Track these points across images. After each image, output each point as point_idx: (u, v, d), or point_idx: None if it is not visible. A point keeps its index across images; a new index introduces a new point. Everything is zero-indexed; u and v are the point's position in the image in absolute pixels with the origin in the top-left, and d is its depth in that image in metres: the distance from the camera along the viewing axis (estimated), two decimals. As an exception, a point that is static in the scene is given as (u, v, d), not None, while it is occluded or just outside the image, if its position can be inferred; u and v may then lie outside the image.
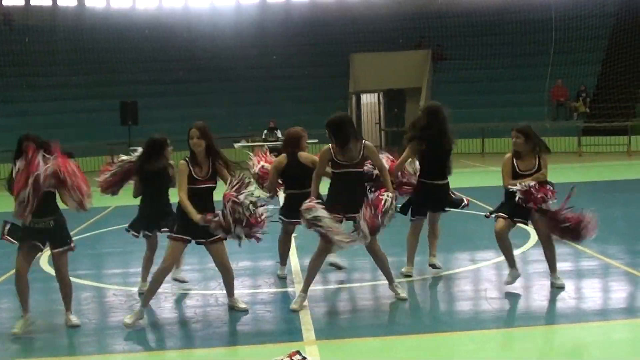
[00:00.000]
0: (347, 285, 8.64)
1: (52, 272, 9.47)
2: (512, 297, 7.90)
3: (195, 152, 7.37)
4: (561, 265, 9.36)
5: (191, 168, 7.32)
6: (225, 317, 7.54)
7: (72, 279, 8.76)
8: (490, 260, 9.52)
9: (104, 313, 8.09)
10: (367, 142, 7.45)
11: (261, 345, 6.54)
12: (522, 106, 29.95)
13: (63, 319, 7.58)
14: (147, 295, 7.41)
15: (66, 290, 7.52)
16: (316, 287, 8.26)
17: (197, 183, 7.29)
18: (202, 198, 7.28)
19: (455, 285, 8.58)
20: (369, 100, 37.23)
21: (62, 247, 7.36)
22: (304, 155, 8.51)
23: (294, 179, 8.53)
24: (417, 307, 7.83)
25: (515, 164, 7.95)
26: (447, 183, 8.59)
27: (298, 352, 5.67)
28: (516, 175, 7.88)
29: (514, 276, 8.11)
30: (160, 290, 7.74)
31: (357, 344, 6.57)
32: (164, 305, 8.03)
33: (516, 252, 9.49)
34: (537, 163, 7.93)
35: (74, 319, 7.44)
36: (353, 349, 6.46)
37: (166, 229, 7.94)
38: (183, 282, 8.81)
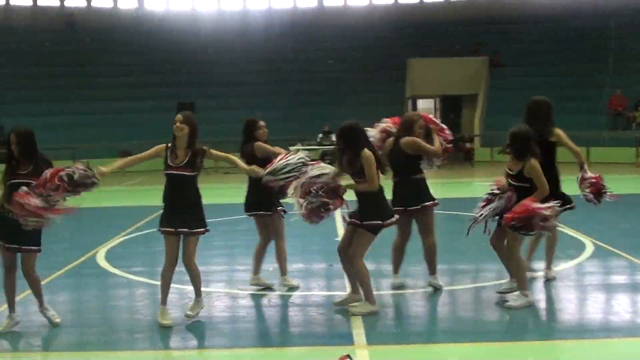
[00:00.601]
0: (401, 291, 8.60)
1: (110, 268, 9.67)
2: (564, 309, 7.81)
3: (176, 136, 7.27)
4: (617, 279, 9.26)
5: (167, 153, 7.26)
6: (277, 318, 7.61)
7: (127, 275, 8.93)
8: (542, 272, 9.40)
9: (158, 310, 8.17)
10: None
11: (312, 347, 6.57)
12: (580, 115, 29.50)
13: (118, 315, 7.72)
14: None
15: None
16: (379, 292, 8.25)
17: (169, 169, 7.22)
18: (174, 185, 7.23)
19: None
20: (425, 105, 37.06)
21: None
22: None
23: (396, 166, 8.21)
24: (470, 315, 7.77)
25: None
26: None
27: (348, 356, 5.67)
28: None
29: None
30: (212, 289, 7.84)
31: (407, 350, 6.56)
32: (217, 305, 8.10)
33: (571, 264, 9.41)
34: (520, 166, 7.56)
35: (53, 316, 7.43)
36: (403, 354, 6.45)
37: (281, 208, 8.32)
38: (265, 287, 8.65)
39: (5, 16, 35.14)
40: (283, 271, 8.58)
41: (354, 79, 35.22)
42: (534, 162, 7.43)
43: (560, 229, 11.31)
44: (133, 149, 29.25)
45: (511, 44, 35.00)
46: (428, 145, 8.03)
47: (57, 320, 7.38)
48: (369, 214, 7.29)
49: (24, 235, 6.98)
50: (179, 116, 7.32)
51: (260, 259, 8.55)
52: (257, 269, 8.53)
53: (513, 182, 7.58)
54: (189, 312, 7.34)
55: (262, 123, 8.51)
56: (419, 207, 8.00)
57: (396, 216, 7.49)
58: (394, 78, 34.76)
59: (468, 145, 30.83)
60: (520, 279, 7.65)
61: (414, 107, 36.22)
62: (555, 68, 33.41)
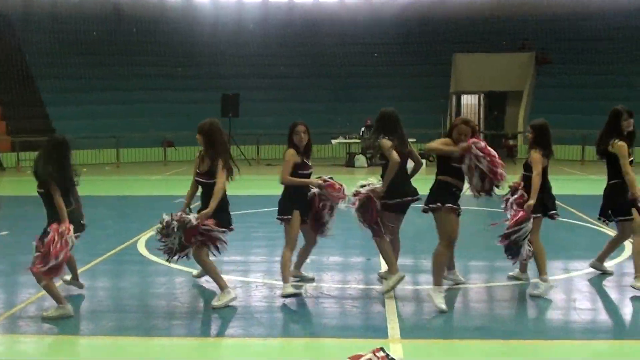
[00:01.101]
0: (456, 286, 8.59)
1: (149, 255, 9.79)
2: (603, 309, 7.76)
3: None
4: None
5: (198, 161, 7.87)
6: (313, 309, 7.65)
7: (166, 264, 9.07)
8: (581, 271, 9.32)
9: (196, 298, 8.28)
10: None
11: (346, 340, 6.60)
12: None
13: (157, 302, 7.86)
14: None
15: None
16: (405, 287, 8.27)
17: (196, 175, 7.88)
18: (202, 191, 7.83)
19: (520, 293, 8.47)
20: (469, 101, 36.84)
21: None
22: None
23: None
24: (504, 312, 7.75)
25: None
26: None
27: (382, 349, 5.69)
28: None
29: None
30: (251, 279, 7.93)
31: (441, 344, 6.57)
32: (254, 294, 8.17)
33: (610, 264, 9.31)
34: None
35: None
36: (437, 349, 6.46)
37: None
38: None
39: (54, 5, 35.61)
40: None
41: (398, 73, 35.13)
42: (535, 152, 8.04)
43: (600, 229, 11.24)
44: (176, 140, 29.62)
45: (558, 41, 34.61)
46: (440, 147, 7.74)
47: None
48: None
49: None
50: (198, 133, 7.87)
51: (304, 255, 8.63)
52: (298, 264, 8.59)
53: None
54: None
55: (300, 128, 8.09)
56: (426, 207, 7.73)
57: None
58: (438, 73, 34.59)
59: (511, 142, 30.59)
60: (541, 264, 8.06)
61: (458, 103, 36.08)
62: (602, 66, 32.96)
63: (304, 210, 8.11)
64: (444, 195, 7.59)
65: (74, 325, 7.18)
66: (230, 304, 7.55)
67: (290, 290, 7.91)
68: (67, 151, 7.52)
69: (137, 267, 9.70)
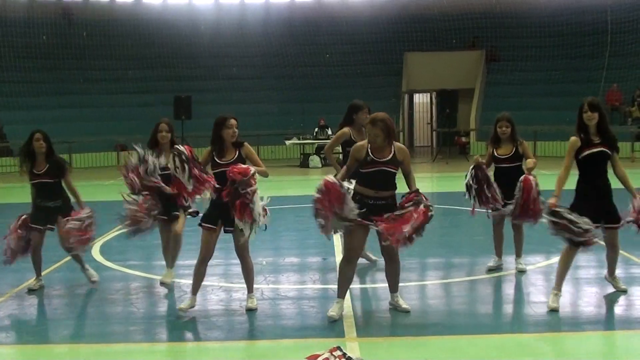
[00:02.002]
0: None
1: (104, 261, 9.72)
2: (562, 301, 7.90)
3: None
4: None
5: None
6: (269, 311, 7.67)
7: (122, 269, 9.02)
8: (535, 265, 9.48)
9: (153, 303, 8.26)
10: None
11: (303, 340, 6.64)
12: (575, 110, 29.44)
13: (113, 308, 7.83)
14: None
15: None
16: (357, 286, 8.34)
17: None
18: None
19: (500, 288, 8.61)
20: (421, 100, 37.13)
21: None
22: None
23: None
24: (461, 308, 7.84)
25: (494, 151, 8.92)
26: None
27: (339, 348, 5.73)
28: (497, 160, 8.86)
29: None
30: (206, 282, 7.94)
31: (397, 342, 6.63)
32: (210, 298, 8.17)
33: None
34: (514, 149, 8.84)
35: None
36: (393, 346, 6.52)
37: None
38: None
39: (2, 9, 35.05)
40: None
41: (350, 73, 35.25)
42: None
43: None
44: (129, 143, 29.24)
45: (507, 38, 34.96)
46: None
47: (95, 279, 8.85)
48: None
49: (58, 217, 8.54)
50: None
51: None
52: None
53: (506, 165, 8.69)
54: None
55: (232, 122, 7.64)
56: None
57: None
58: (390, 72, 34.81)
59: (464, 139, 30.93)
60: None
61: (411, 102, 36.35)
62: (551, 62, 33.42)
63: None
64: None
65: (29, 333, 7.11)
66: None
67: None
68: None
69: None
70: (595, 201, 7.39)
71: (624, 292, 7.91)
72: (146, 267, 10.08)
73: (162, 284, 8.63)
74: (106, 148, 29.48)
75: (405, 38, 35.87)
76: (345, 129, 9.07)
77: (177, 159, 7.63)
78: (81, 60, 34.14)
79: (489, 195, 8.63)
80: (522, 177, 8.51)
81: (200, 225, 7.53)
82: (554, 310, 7.27)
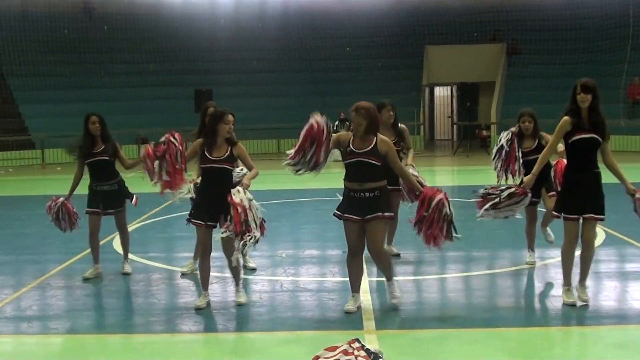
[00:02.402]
0: (410, 277, 8.71)
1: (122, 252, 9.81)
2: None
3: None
4: (630, 267, 9.32)
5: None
6: (289, 303, 7.72)
7: (143, 260, 9.09)
8: (555, 258, 9.45)
9: (173, 294, 8.33)
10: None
11: (322, 332, 6.68)
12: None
13: (132, 299, 7.90)
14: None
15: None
16: (374, 279, 8.36)
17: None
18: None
19: (519, 281, 8.60)
20: (442, 93, 37.05)
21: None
22: None
23: None
24: (479, 302, 7.85)
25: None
26: None
27: (357, 340, 5.75)
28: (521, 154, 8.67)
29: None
30: (226, 274, 7.99)
31: (415, 334, 6.65)
32: (230, 289, 8.21)
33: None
34: (536, 142, 8.78)
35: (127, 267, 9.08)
36: (411, 339, 6.54)
37: None
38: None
39: (24, 4, 35.31)
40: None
41: (371, 67, 35.22)
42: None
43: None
44: (151, 136, 29.38)
45: (529, 31, 34.80)
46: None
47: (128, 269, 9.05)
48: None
49: (116, 202, 8.98)
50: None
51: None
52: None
53: (530, 157, 8.43)
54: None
55: (229, 117, 7.57)
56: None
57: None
58: (411, 66, 34.72)
59: (485, 132, 30.82)
60: None
61: (431, 95, 36.25)
62: (572, 56, 33.22)
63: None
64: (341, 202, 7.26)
65: (52, 323, 7.20)
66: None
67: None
68: None
69: (113, 265, 9.69)
70: (583, 190, 7.15)
71: (586, 304, 7.30)
72: (167, 259, 10.15)
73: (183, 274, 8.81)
74: (127, 141, 29.51)
75: (426, 31, 35.82)
76: None
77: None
78: (102, 54, 34.35)
79: (517, 166, 8.54)
80: (555, 162, 8.58)
81: (189, 221, 7.53)
82: (572, 305, 7.24)
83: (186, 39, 35.61)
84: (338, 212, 7.12)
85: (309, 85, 34.18)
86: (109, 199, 8.92)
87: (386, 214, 7.02)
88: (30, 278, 9.01)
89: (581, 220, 7.20)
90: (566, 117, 7.20)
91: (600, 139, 7.17)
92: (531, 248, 9.16)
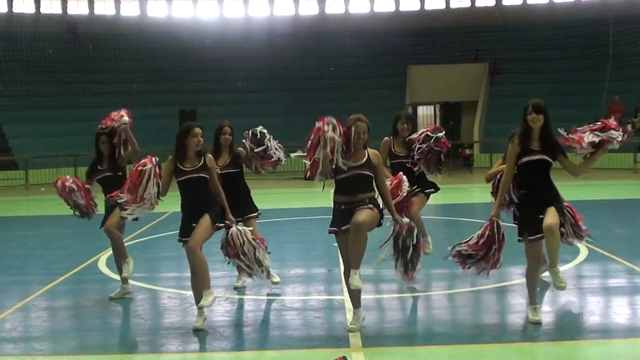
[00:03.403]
0: (396, 295, 8.75)
1: (110, 273, 9.79)
2: (563, 312, 7.95)
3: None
4: (613, 282, 9.40)
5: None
6: (275, 322, 7.74)
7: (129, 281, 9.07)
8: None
9: (158, 314, 8.33)
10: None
11: (309, 350, 6.70)
12: (579, 121, 28.98)
13: (118, 320, 7.89)
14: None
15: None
16: (366, 296, 8.38)
17: None
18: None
19: (502, 298, 8.65)
20: (425, 112, 37.25)
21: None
22: None
23: None
24: (464, 318, 7.89)
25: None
26: None
27: (344, 358, 5.79)
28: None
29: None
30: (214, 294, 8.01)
31: (402, 351, 6.68)
32: (217, 309, 8.21)
33: (565, 267, 9.52)
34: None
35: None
36: (398, 356, 6.58)
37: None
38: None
39: (8, 24, 35.29)
40: None
41: (354, 86, 35.38)
42: None
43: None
44: (135, 156, 29.33)
45: (510, 50, 35.14)
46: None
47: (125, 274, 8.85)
48: None
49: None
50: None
51: None
52: None
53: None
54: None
55: (196, 130, 7.71)
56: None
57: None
58: (394, 85, 34.92)
59: (467, 151, 30.99)
60: None
61: (414, 114, 36.40)
62: (554, 75, 33.53)
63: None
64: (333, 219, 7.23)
65: (35, 344, 7.17)
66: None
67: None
68: None
69: (98, 285, 9.67)
70: (538, 205, 7.06)
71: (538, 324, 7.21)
72: (150, 279, 10.14)
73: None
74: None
75: (409, 51, 36.04)
76: (386, 138, 9.17)
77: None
78: (87, 74, 34.34)
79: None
80: None
81: (179, 240, 7.56)
82: (537, 324, 7.16)
83: (171, 59, 35.68)
84: (334, 229, 7.10)
85: (294, 105, 34.27)
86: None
87: (373, 206, 7.00)
88: (14, 299, 8.97)
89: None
90: (514, 141, 7.19)
91: (551, 160, 7.09)
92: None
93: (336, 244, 7.33)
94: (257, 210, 8.95)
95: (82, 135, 30.22)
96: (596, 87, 31.31)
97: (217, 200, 7.59)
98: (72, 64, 34.43)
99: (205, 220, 7.38)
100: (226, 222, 7.55)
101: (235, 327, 7.56)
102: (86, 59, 34.95)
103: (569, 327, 7.40)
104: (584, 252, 10.65)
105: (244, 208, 8.74)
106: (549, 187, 7.17)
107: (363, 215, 6.88)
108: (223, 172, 8.64)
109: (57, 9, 37.33)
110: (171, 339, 7.20)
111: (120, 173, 9.20)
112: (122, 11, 38.51)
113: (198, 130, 7.62)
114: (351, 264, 6.97)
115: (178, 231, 7.59)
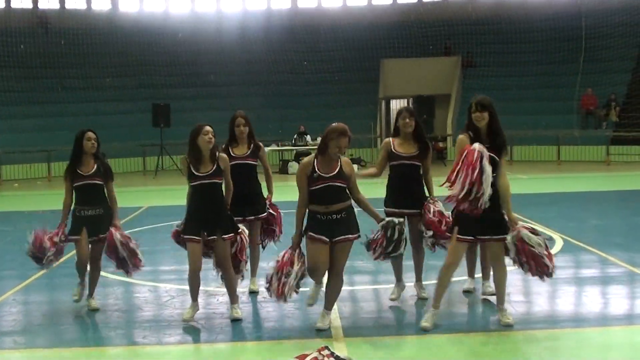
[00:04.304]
0: (375, 286, 8.84)
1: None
2: (537, 302, 8.08)
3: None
4: (588, 272, 9.56)
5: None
6: (256, 314, 7.79)
7: (104, 274, 9.08)
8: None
9: (136, 307, 8.33)
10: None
11: (291, 341, 6.78)
12: (551, 114, 29.97)
13: (96, 313, 7.91)
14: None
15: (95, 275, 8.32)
16: (345, 288, 8.44)
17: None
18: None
19: (478, 289, 8.75)
20: (398, 105, 37.31)
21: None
22: None
23: None
24: (440, 308, 7.96)
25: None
26: None
27: (327, 347, 5.85)
28: None
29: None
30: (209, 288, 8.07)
31: (382, 341, 6.77)
32: (210, 301, 8.25)
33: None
34: None
35: (94, 303, 8.20)
36: (378, 345, 6.66)
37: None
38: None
39: (-22, 19, 34.95)
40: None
41: (328, 80, 35.42)
42: None
43: (531, 225, 11.60)
44: (108, 151, 29.23)
45: (483, 44, 35.30)
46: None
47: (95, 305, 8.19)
48: None
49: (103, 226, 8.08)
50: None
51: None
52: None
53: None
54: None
55: (206, 128, 7.48)
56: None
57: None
58: (367, 79, 34.99)
59: (441, 144, 31.17)
60: None
61: (388, 108, 36.56)
62: (526, 68, 33.76)
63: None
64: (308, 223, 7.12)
65: (18, 339, 7.17)
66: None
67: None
68: None
69: (76, 279, 9.64)
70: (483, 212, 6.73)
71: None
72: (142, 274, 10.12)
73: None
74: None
75: (382, 45, 36.08)
76: (387, 139, 8.36)
77: None
78: (59, 69, 34.02)
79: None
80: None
81: (182, 238, 7.57)
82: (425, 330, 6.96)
83: (143, 53, 35.48)
84: (313, 234, 6.96)
85: (268, 99, 34.24)
86: (94, 224, 8.09)
87: (354, 235, 7.02)
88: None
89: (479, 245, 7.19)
90: (462, 136, 6.99)
91: (498, 159, 6.84)
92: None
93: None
94: (266, 210, 8.69)
95: (55, 130, 30.10)
96: (569, 80, 31.59)
97: (225, 207, 7.62)
98: (43, 59, 34.11)
99: (221, 244, 7.51)
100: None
101: (217, 319, 7.59)
102: (58, 54, 34.62)
103: (543, 315, 7.53)
104: (559, 243, 10.81)
105: (257, 206, 8.57)
106: (495, 189, 6.79)
107: (343, 261, 7.05)
108: (241, 162, 8.39)
109: (27, 4, 36.97)
110: (149, 331, 7.23)
111: (104, 183, 8.16)
112: (94, 5, 38.23)
113: (208, 128, 7.45)
114: (326, 305, 7.15)
115: (181, 224, 7.63)
